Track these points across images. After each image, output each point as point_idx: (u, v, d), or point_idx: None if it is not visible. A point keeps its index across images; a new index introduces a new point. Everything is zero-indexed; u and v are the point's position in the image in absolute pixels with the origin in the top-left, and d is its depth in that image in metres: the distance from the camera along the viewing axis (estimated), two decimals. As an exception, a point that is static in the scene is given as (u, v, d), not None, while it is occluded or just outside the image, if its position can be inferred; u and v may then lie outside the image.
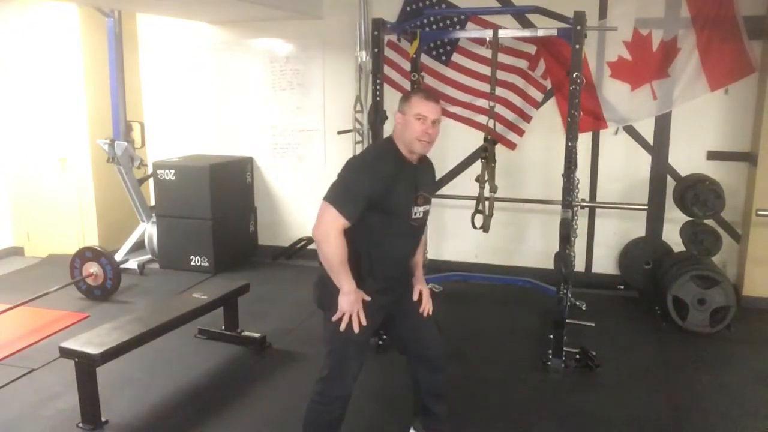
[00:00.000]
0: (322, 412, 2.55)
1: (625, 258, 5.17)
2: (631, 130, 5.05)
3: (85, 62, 5.85)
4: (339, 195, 2.37)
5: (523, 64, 5.12)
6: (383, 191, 2.37)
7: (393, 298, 2.62)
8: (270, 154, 6.08)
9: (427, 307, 2.70)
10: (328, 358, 2.53)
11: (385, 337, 3.94)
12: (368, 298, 2.45)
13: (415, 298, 2.70)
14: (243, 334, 4.11)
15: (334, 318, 2.42)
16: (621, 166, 5.12)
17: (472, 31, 4.95)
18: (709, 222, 4.61)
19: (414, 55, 4.41)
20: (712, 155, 4.90)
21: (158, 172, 5.69)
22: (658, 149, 5.03)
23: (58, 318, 4.54)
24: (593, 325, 4.26)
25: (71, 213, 6.09)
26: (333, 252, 2.35)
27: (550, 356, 3.72)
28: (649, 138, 5.04)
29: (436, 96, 2.51)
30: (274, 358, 3.93)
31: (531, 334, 4.25)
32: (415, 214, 2.50)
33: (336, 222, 2.33)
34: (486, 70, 4.61)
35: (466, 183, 4.58)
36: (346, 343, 2.48)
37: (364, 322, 2.43)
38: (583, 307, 4.57)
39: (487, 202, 4.21)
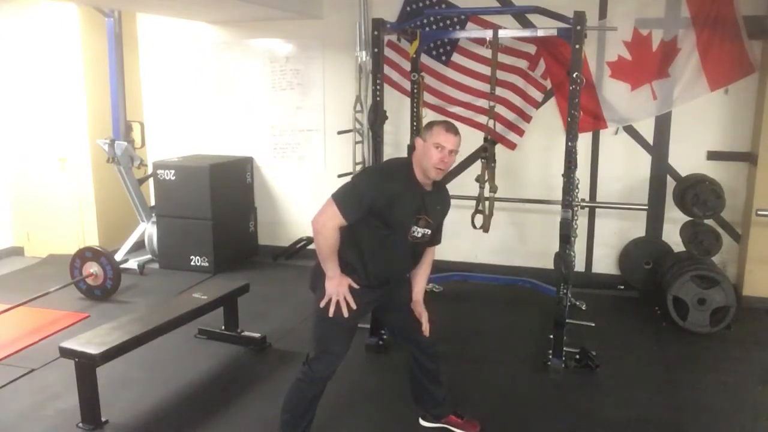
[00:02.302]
0: (305, 391, 2.71)
1: (625, 258, 5.17)
2: (631, 130, 5.05)
3: (85, 62, 5.85)
4: (344, 196, 2.54)
5: (523, 64, 5.12)
6: (385, 205, 2.53)
7: (383, 293, 2.77)
8: (270, 154, 6.08)
9: (425, 328, 2.85)
10: (315, 340, 2.70)
11: (385, 337, 3.94)
12: (356, 286, 2.61)
13: (417, 316, 2.86)
14: (243, 334, 4.11)
15: (322, 304, 2.60)
16: (621, 166, 5.12)
17: (472, 31, 4.95)
18: (709, 222, 4.61)
19: (414, 55, 4.41)
20: (712, 155, 4.90)
21: (158, 172, 5.69)
22: (658, 149, 5.03)
23: (58, 318, 4.54)
24: (593, 325, 4.26)
25: (71, 213, 6.09)
26: (324, 243, 2.54)
27: (550, 356, 3.71)
28: (649, 138, 5.04)
29: (456, 129, 2.65)
30: (274, 358, 3.93)
31: (531, 334, 4.25)
32: (415, 232, 2.64)
33: (334, 219, 2.51)
34: (486, 70, 4.61)
35: (466, 183, 4.58)
36: (332, 326, 2.64)
37: (353, 306, 2.59)
38: (583, 307, 4.57)
39: (487, 202, 4.21)
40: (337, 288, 2.58)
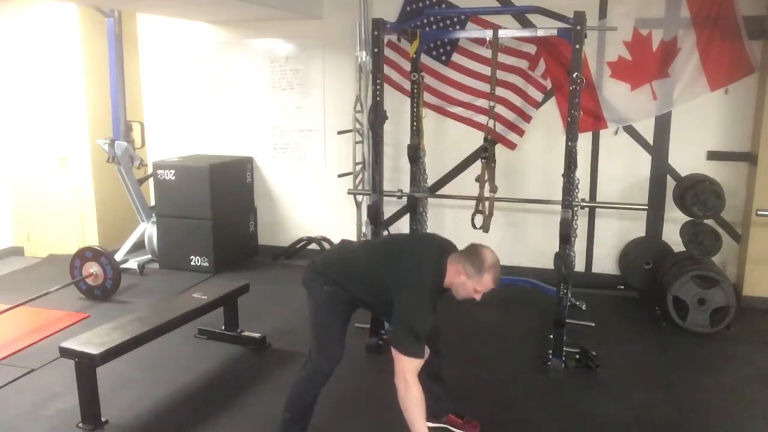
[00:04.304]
0: (308, 389, 2.80)
1: (625, 258, 5.17)
2: (631, 130, 5.05)
3: (85, 62, 5.85)
4: (408, 344, 2.51)
5: (523, 64, 5.12)
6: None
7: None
8: (270, 154, 6.08)
9: None
10: (314, 339, 2.80)
11: (385, 337, 3.94)
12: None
13: None
14: (243, 334, 4.11)
15: None
16: (621, 166, 5.12)
17: (472, 31, 4.95)
18: (709, 222, 4.61)
19: (414, 55, 4.40)
20: (712, 155, 4.90)
21: (158, 172, 5.69)
22: (658, 149, 5.03)
23: (58, 318, 4.54)
24: (593, 325, 4.26)
25: (71, 213, 6.09)
26: (413, 404, 2.49)
27: (550, 356, 3.71)
28: (649, 138, 5.04)
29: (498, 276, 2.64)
30: (274, 358, 3.94)
31: (531, 334, 4.25)
32: None
33: (411, 366, 2.50)
34: (486, 70, 4.61)
35: (466, 183, 4.58)
36: (326, 325, 2.75)
37: None
38: (583, 307, 4.55)
39: (487, 202, 4.20)
40: None
